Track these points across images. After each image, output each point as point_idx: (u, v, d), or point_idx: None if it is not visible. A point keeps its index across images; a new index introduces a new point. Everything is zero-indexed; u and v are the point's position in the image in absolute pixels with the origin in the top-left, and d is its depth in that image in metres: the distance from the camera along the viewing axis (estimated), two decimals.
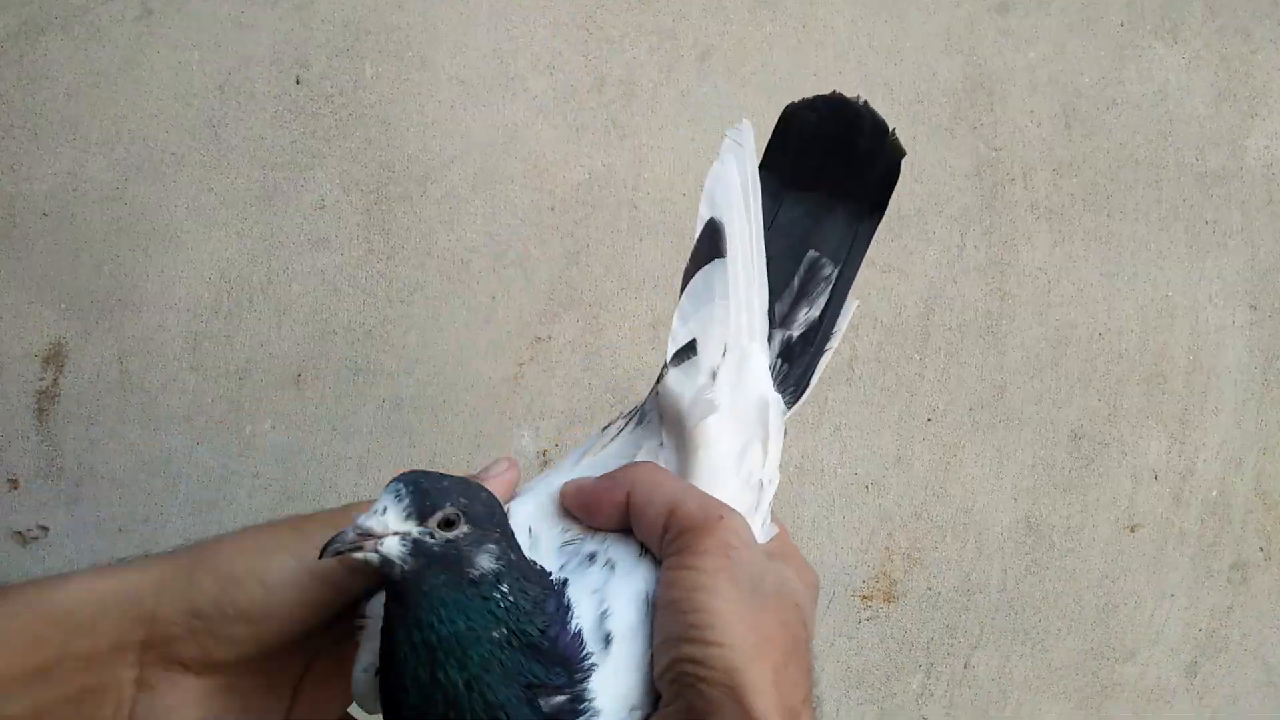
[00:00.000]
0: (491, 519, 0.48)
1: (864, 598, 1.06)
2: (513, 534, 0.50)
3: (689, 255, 0.57)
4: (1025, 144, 1.09)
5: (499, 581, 0.47)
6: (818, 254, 0.60)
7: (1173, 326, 1.09)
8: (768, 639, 0.46)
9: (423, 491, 0.46)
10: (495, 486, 0.52)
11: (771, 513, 0.56)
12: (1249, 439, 1.10)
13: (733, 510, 0.49)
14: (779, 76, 1.06)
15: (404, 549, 0.46)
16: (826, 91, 0.59)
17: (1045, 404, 1.08)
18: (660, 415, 0.56)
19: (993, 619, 1.08)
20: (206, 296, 1.00)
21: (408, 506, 0.46)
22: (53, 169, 0.99)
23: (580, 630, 0.48)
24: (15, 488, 0.99)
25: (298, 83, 1.02)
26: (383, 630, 0.49)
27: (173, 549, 0.51)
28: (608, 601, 0.49)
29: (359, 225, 1.02)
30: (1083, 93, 1.09)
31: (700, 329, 0.55)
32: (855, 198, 0.60)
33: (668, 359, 0.55)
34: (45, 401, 0.99)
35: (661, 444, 0.56)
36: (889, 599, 1.06)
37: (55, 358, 0.99)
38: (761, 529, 0.54)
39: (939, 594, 1.07)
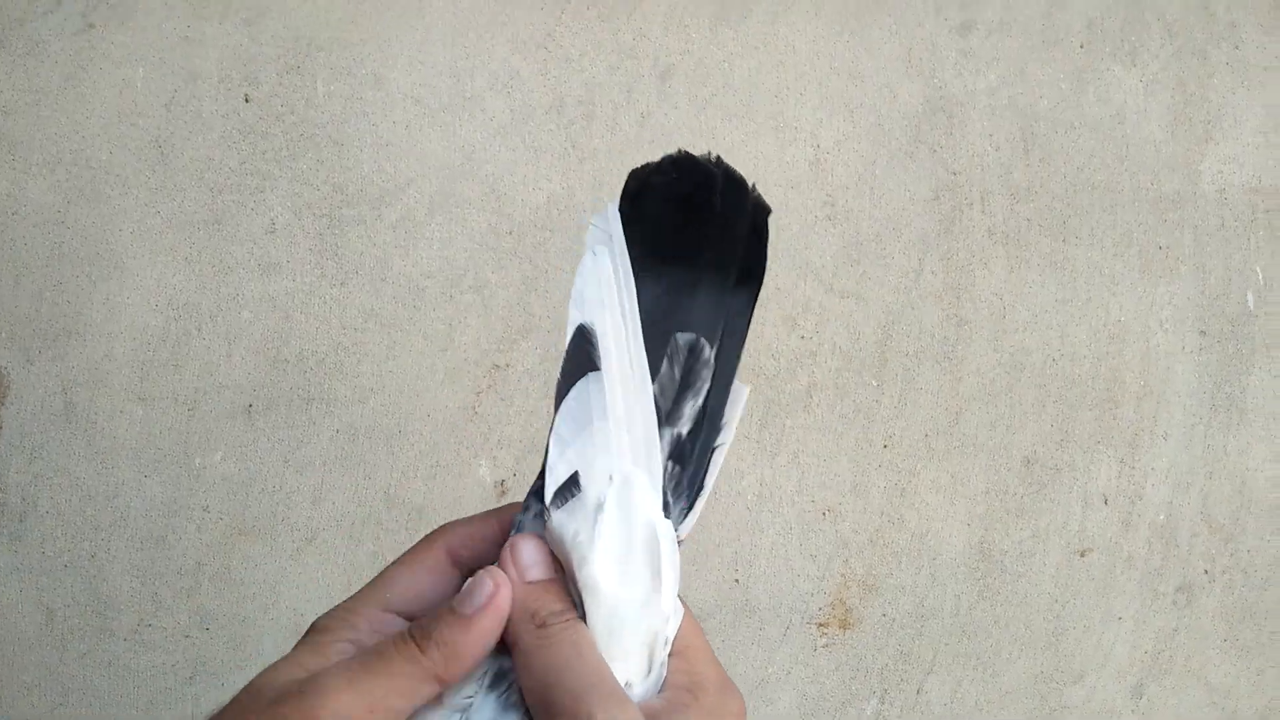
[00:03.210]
0: None
1: (820, 625, 1.07)
2: None
3: (559, 369, 0.49)
4: (984, 168, 1.08)
5: None
6: (693, 336, 0.51)
7: (1124, 352, 1.10)
8: None
9: None
10: (485, 625, 0.45)
11: (674, 640, 0.48)
12: (1196, 463, 1.12)
13: (608, 711, 0.42)
14: (739, 98, 1.04)
15: None
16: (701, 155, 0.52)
17: (999, 430, 1.09)
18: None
19: (945, 645, 1.09)
20: (154, 324, 0.97)
21: None
22: None
23: None
24: None
25: (247, 101, 0.98)
26: None
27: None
28: None
29: (311, 250, 0.99)
30: (1041, 116, 1.09)
31: (580, 459, 0.47)
32: (718, 267, 0.52)
33: (547, 501, 0.47)
34: None
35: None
36: (845, 626, 1.07)
37: None
38: (655, 678, 0.47)
39: (894, 620, 1.08)
